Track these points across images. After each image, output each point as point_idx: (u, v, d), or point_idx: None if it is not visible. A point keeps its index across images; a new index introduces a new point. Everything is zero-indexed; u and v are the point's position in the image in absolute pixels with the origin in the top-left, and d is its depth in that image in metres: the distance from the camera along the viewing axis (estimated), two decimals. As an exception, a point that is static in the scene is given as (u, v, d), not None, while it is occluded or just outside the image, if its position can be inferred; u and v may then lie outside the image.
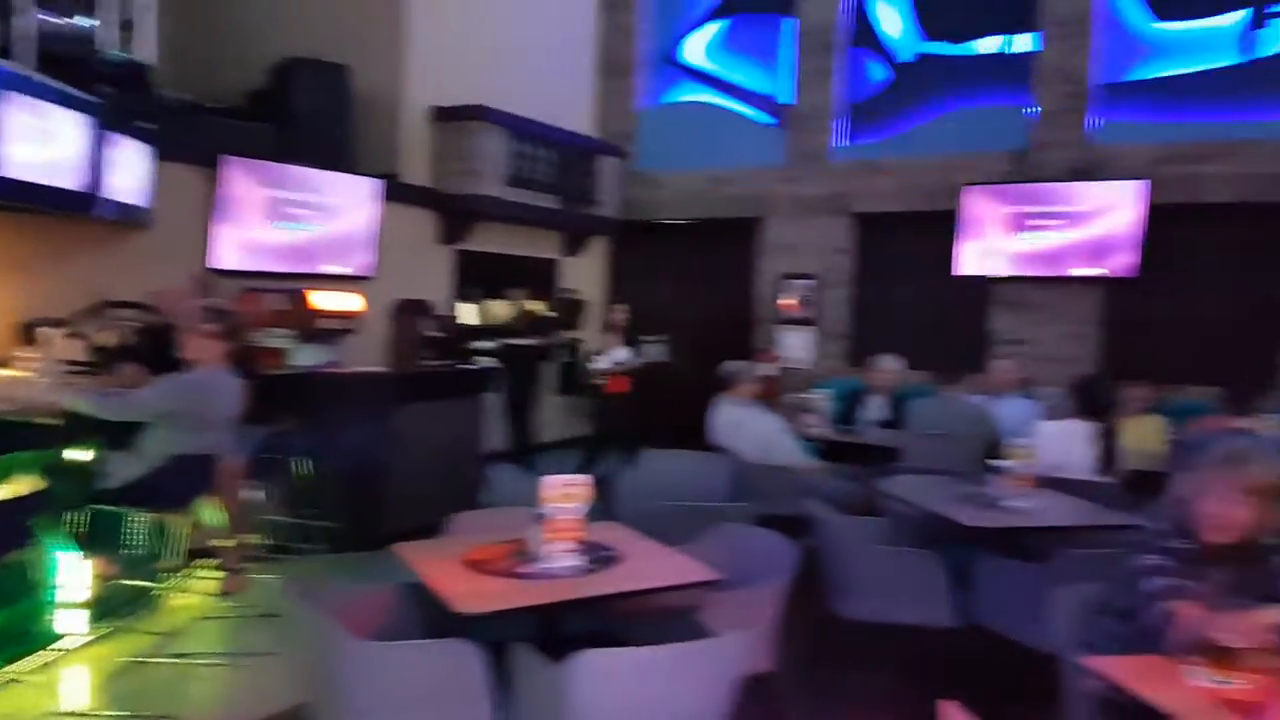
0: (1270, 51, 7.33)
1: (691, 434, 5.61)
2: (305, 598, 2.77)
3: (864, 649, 4.18)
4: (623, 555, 3.07)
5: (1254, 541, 2.43)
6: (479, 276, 8.96)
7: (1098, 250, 7.64)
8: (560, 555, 2.93)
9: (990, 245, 8.06)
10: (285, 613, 2.69)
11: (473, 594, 2.70)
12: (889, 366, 6.54)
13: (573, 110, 9.60)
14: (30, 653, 3.80)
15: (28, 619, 3.86)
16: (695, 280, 9.76)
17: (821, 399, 6.46)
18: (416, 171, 8.18)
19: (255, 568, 4.87)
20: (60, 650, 3.89)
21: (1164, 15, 7.69)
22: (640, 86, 9.99)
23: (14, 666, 3.69)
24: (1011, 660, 3.52)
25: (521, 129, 8.41)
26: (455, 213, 8.33)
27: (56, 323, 5.26)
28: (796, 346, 9.10)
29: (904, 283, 8.76)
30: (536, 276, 9.67)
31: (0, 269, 5.46)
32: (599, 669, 2.28)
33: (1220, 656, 2.09)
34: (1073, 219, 7.71)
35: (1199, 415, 5.65)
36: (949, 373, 5.66)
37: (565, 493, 2.97)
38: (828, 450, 6.20)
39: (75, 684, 3.75)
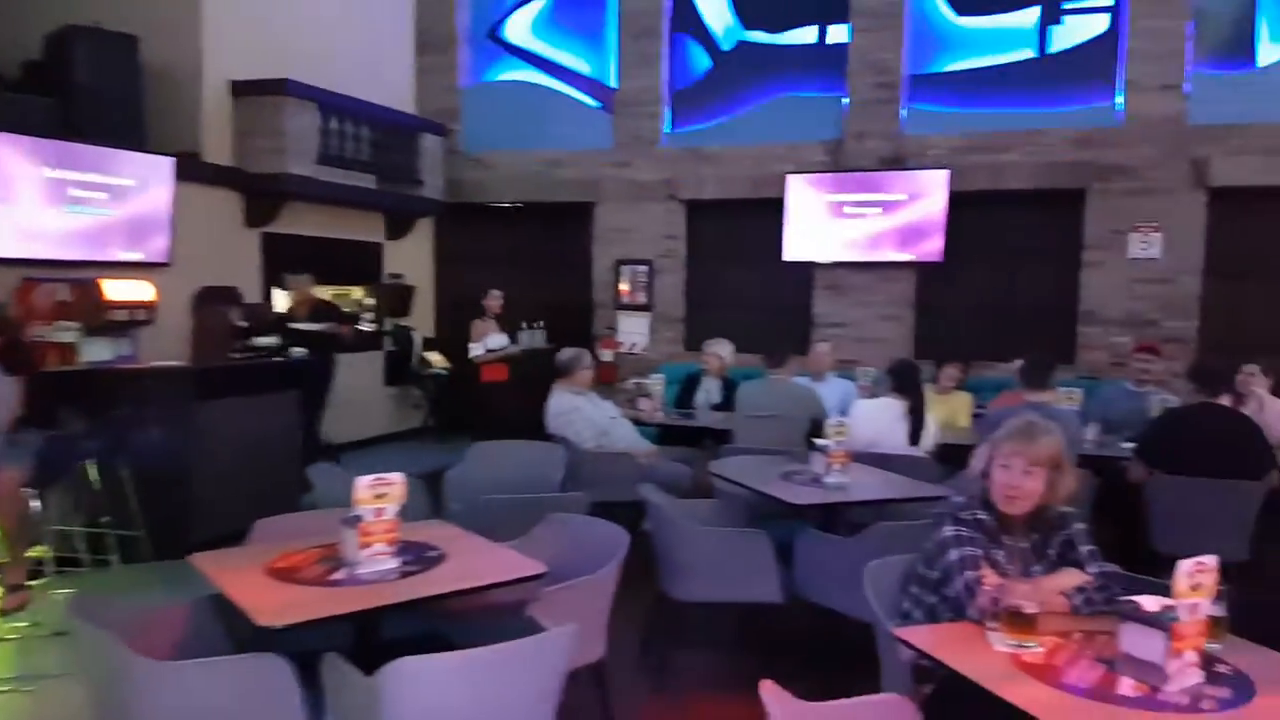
0: (1062, 46, 7.91)
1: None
2: (91, 615, 2.49)
3: (697, 629, 4.25)
4: (446, 554, 2.94)
5: (1047, 510, 2.58)
6: (293, 261, 8.44)
7: (909, 236, 8.05)
8: (375, 559, 2.76)
9: (813, 231, 8.34)
10: (72, 632, 2.41)
11: (278, 605, 2.51)
12: (720, 350, 6.68)
13: (391, 86, 9.22)
14: None
15: None
16: (530, 265, 9.61)
17: (657, 384, 6.51)
18: (219, 149, 7.62)
19: (42, 583, 4.45)
20: None
21: (964, 11, 8.15)
22: (462, 63, 9.70)
23: None
24: (834, 631, 3.64)
25: (333, 104, 7.99)
26: (262, 193, 7.83)
27: None
28: (634, 332, 9.13)
29: (736, 268, 8.95)
30: (359, 261, 9.24)
31: None
32: (413, 676, 2.16)
33: (1017, 622, 2.19)
34: (886, 206, 8.10)
35: (1001, 391, 6.06)
36: (775, 355, 5.79)
37: (377, 492, 2.79)
38: (665, 434, 6.31)
39: None
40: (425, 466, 5.07)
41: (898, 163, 8.09)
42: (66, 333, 5.93)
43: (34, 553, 4.69)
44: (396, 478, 2.83)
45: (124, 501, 4.95)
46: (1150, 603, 2.06)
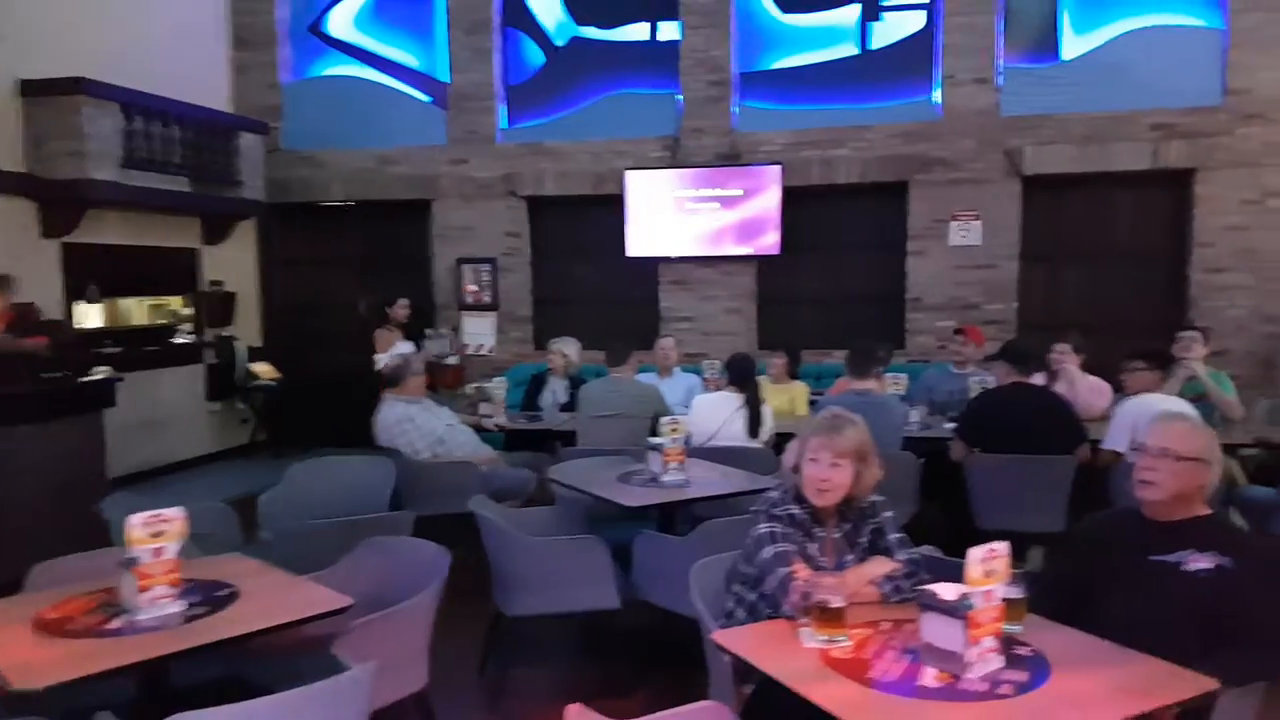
0: (883, 43, 8.17)
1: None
2: None
3: (535, 643, 4.11)
4: (239, 592, 2.70)
5: (856, 500, 2.59)
6: (99, 273, 7.79)
7: (748, 230, 8.16)
8: (156, 603, 2.50)
9: (656, 226, 8.34)
10: None
11: (39, 663, 2.24)
12: (565, 349, 6.55)
13: (205, 84, 8.62)
14: None
15: None
16: (367, 266, 9.20)
17: (498, 387, 6.32)
18: (8, 154, 6.94)
19: None
20: None
21: (788, 9, 8.30)
22: (283, 59, 9.18)
23: None
24: (675, 633, 3.57)
25: (138, 104, 7.38)
26: (60, 201, 7.17)
27: None
28: (480, 333, 8.89)
29: (582, 264, 8.84)
30: (173, 269, 8.61)
31: None
32: None
33: (826, 616, 2.17)
34: (725, 201, 8.17)
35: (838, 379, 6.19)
36: (616, 352, 5.71)
37: (154, 530, 2.53)
38: (510, 439, 6.14)
39: None
40: (254, 487, 4.73)
41: (733, 159, 8.18)
42: None
43: None
44: (174, 513, 2.58)
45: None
46: (948, 590, 2.07)
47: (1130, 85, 7.51)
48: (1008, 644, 2.12)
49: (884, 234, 8.17)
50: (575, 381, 6.26)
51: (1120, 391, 5.01)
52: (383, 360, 6.99)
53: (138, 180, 7.44)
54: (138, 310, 8.77)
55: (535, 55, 8.92)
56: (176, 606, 2.51)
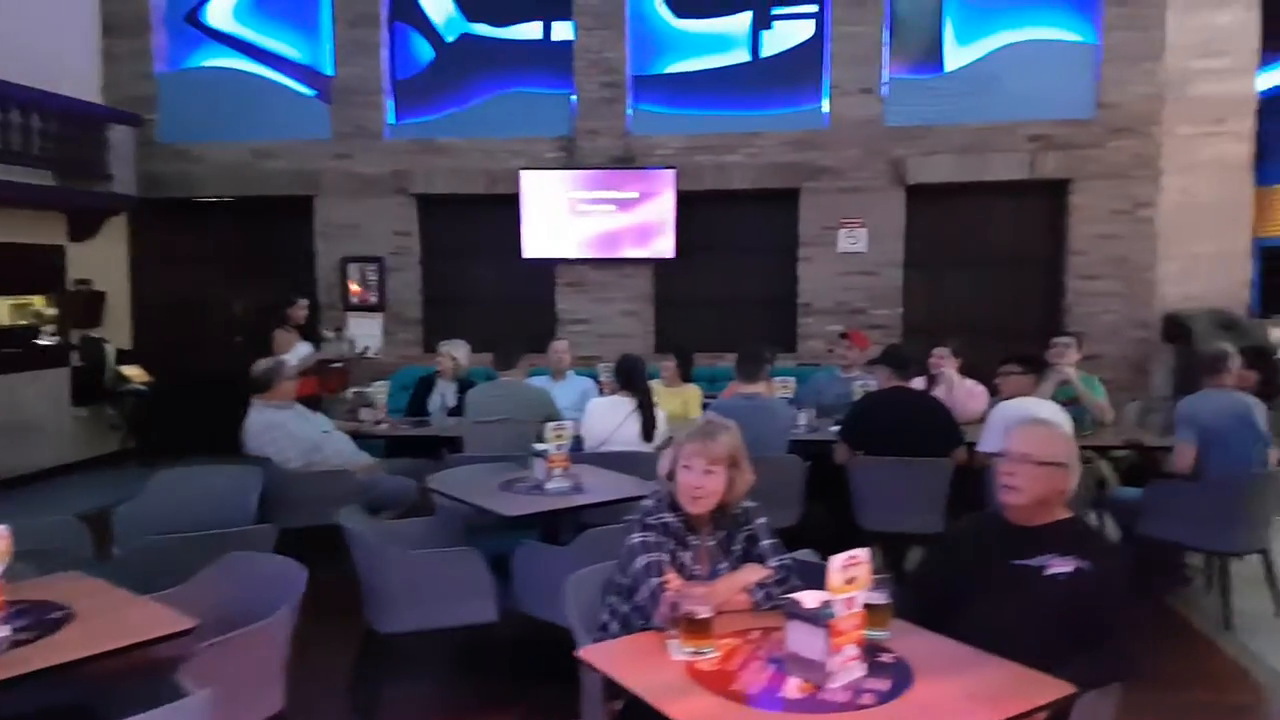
0: (773, 51, 8.25)
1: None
2: None
3: (410, 660, 3.95)
4: (74, 614, 2.51)
5: (730, 507, 2.55)
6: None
7: (644, 233, 8.14)
8: (-27, 629, 2.29)
9: (552, 228, 8.23)
10: None
11: None
12: (454, 351, 6.38)
13: (72, 73, 8.10)
14: None
15: None
16: (246, 264, 8.80)
17: (379, 391, 6.10)
18: None
19: None
20: None
21: (682, 13, 8.32)
22: (158, 49, 8.70)
23: None
24: (556, 645, 3.47)
25: (-5, 91, 6.89)
26: (-96, 194, 6.63)
27: None
28: (365, 334, 8.58)
29: (476, 265, 8.65)
30: (36, 267, 8.04)
31: None
32: None
33: (693, 628, 2.12)
34: (621, 204, 8.13)
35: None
36: (504, 355, 5.58)
37: (-27, 549, 2.31)
38: (395, 445, 5.93)
39: None
40: (118, 498, 4.43)
41: (628, 161, 8.15)
42: None
43: None
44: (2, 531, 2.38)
45: None
46: (811, 598, 2.04)
47: (1009, 97, 7.80)
48: (872, 651, 2.11)
49: (776, 239, 8.26)
50: (465, 385, 6.09)
51: (996, 395, 5.16)
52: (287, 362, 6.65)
53: (-2, 174, 6.94)
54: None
55: (424, 50, 8.70)
56: (1, 631, 2.32)
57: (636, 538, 2.47)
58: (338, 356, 7.42)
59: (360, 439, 5.48)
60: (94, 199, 8.04)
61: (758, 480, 4.37)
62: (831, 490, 4.87)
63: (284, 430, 4.91)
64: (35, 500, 6.88)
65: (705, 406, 5.88)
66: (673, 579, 2.37)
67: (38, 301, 8.26)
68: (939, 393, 5.46)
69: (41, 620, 2.44)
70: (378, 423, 5.86)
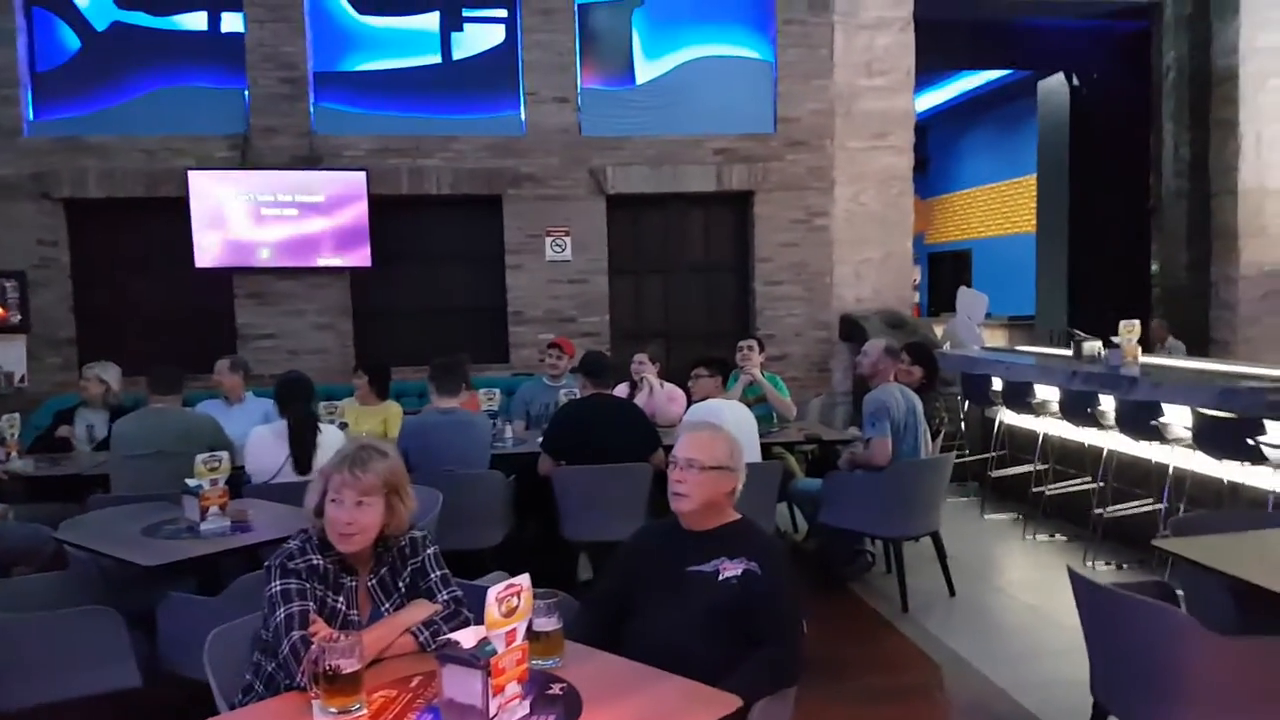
0: (466, 54, 8.06)
1: None
2: None
3: None
4: None
5: (392, 540, 2.32)
6: None
7: (338, 240, 7.65)
8: None
9: (230, 234, 7.49)
10: None
11: None
12: (102, 374, 5.58)
13: None
14: None
15: None
16: None
17: (8, 424, 5.19)
18: None
19: None
20: None
21: (364, 10, 7.91)
22: None
23: None
24: (207, 707, 3.06)
25: None
26: None
27: None
28: (7, 359, 7.34)
29: (138, 278, 7.69)
30: None
31: None
32: None
33: (336, 684, 1.87)
34: (311, 209, 7.57)
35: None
36: (158, 379, 4.90)
37: None
38: (35, 487, 5.06)
39: None
40: None
41: (313, 162, 7.60)
42: None
43: None
44: None
45: None
46: (470, 636, 1.87)
47: (696, 111, 8.17)
48: (541, 683, 1.98)
49: (481, 247, 8.09)
50: (118, 413, 5.32)
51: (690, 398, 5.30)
52: None
53: None
54: None
55: (69, 39, 7.61)
56: None
57: (276, 586, 2.16)
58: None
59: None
60: None
61: (459, 499, 4.22)
62: (541, 505, 4.77)
63: None
64: None
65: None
66: (320, 629, 2.10)
67: None
68: (640, 398, 5.54)
69: None
70: (8, 463, 4.99)
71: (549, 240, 8.00)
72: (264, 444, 4.34)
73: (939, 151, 16.24)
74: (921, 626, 4.38)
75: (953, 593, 4.74)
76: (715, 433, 2.54)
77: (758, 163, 8.24)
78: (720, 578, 2.35)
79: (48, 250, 7.44)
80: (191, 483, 3.47)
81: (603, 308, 8.17)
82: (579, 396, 5.02)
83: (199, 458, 3.51)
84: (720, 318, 8.48)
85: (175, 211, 7.38)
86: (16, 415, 5.31)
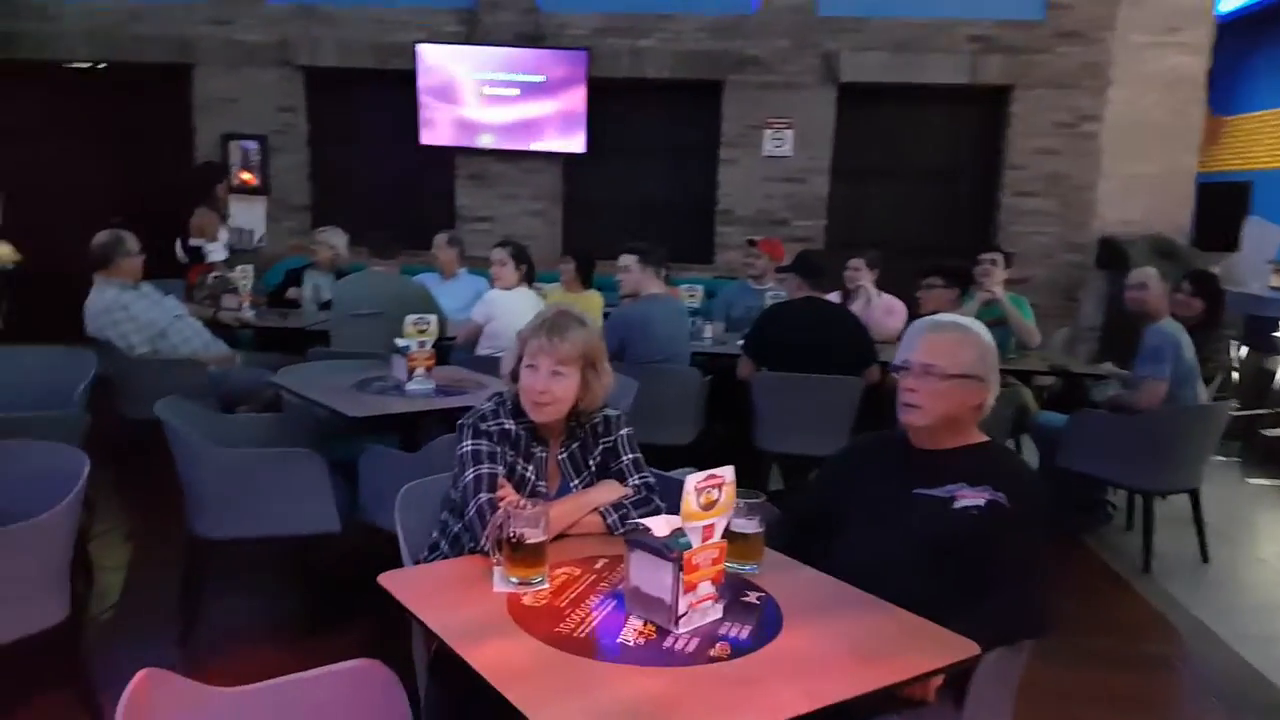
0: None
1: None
2: None
3: (238, 571, 3.57)
4: None
5: (585, 415, 2.15)
6: None
7: (554, 125, 7.51)
8: None
9: (455, 113, 7.55)
10: None
11: None
12: (331, 240, 5.87)
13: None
14: None
15: None
16: (116, 139, 7.91)
17: (243, 276, 5.53)
18: None
19: None
20: None
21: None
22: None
23: None
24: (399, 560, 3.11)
25: None
26: None
27: None
28: (249, 221, 7.85)
29: (368, 150, 7.92)
30: None
31: None
32: None
33: (519, 554, 1.73)
34: (532, 89, 7.47)
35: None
36: (380, 245, 5.02)
37: None
38: (264, 338, 5.42)
39: None
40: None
41: (536, 40, 7.43)
42: None
43: None
44: None
45: None
46: (663, 525, 1.66)
47: (953, -10, 7.23)
48: (736, 589, 1.75)
49: (694, 137, 7.68)
50: (342, 275, 5.54)
51: (917, 312, 4.84)
52: (213, 250, 5.96)
53: None
54: None
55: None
56: None
57: (467, 445, 2.05)
58: (245, 247, 6.74)
59: (221, 330, 5.00)
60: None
61: (654, 391, 4.06)
62: (734, 411, 4.54)
63: (126, 312, 4.46)
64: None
65: (607, 315, 5.48)
66: (507, 494, 1.97)
67: None
68: (855, 308, 5.14)
69: None
70: (240, 311, 5.33)
71: (768, 134, 7.49)
72: (506, 310, 4.34)
73: (1225, 65, 14.06)
74: (1163, 590, 3.87)
75: (1205, 558, 4.15)
76: (963, 334, 2.13)
77: (1019, 54, 7.25)
78: (955, 505, 2.00)
79: (287, 116, 7.77)
80: (400, 343, 3.51)
81: (819, 211, 7.64)
82: (788, 299, 4.68)
83: (408, 319, 3.53)
84: (955, 232, 7.66)
85: (405, 85, 7.48)
86: (250, 267, 5.64)
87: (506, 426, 2.09)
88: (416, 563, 2.12)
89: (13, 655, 2.32)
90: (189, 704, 1.47)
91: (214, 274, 5.68)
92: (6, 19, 7.56)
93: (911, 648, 1.60)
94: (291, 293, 5.91)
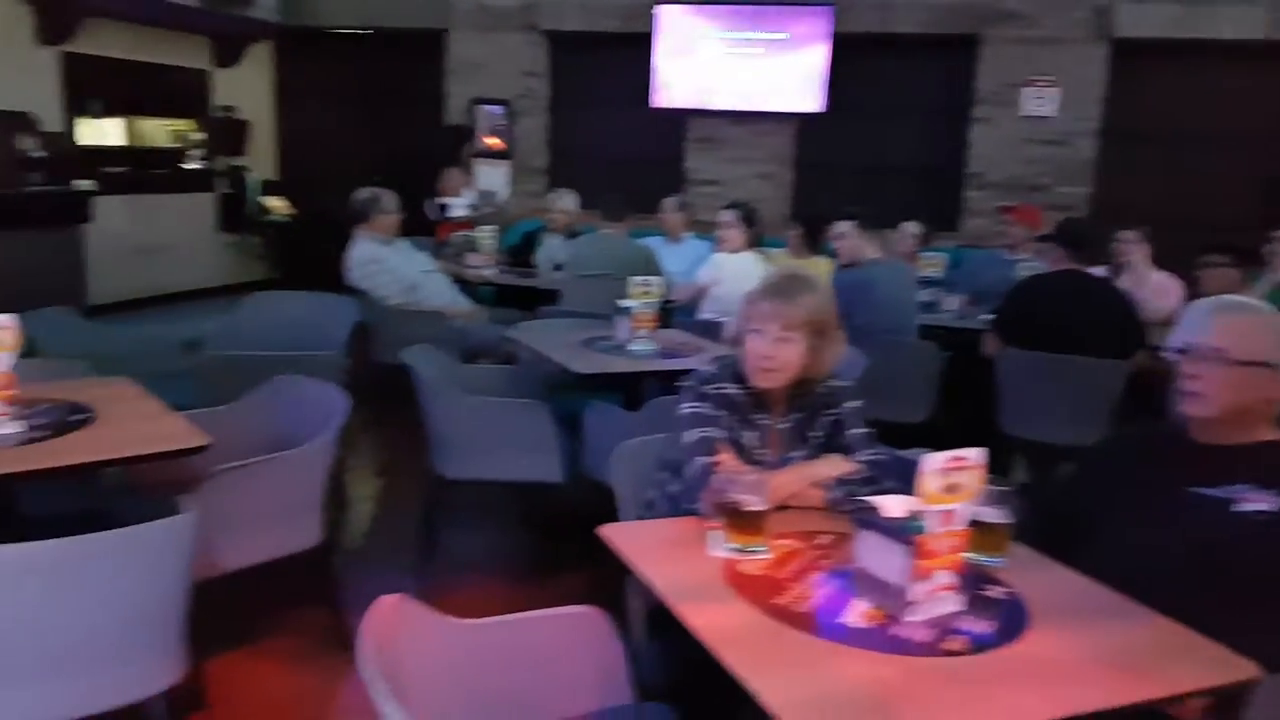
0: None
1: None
2: None
3: (476, 509, 3.78)
4: (97, 417, 2.39)
5: (811, 384, 2.04)
6: (102, 88, 7.33)
7: (790, 83, 7.31)
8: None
9: (687, 74, 7.52)
10: None
11: None
12: (565, 204, 6.02)
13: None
14: None
15: None
16: (376, 101, 8.59)
17: (487, 236, 5.81)
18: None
19: None
20: None
21: None
22: None
23: None
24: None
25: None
26: (53, 6, 6.63)
27: None
28: (493, 183, 8.27)
29: (603, 113, 8.08)
30: (181, 90, 8.10)
31: None
32: None
33: (739, 520, 1.67)
34: (768, 47, 7.29)
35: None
36: (610, 208, 5.13)
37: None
38: (501, 295, 5.69)
39: None
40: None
41: (780, -3, 7.25)
42: None
43: None
44: (4, 320, 2.19)
45: None
46: (898, 505, 1.53)
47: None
48: (977, 581, 1.60)
49: (944, 96, 7.22)
50: (575, 238, 5.70)
51: (1195, 292, 4.29)
52: (457, 205, 6.46)
53: (136, -14, 6.87)
54: (145, 130, 8.28)
55: None
56: (15, 426, 2.23)
57: (688, 407, 2.02)
58: (488, 208, 7.13)
59: (464, 285, 5.27)
60: (236, 24, 7.92)
61: (884, 365, 3.87)
62: (975, 391, 4.22)
63: (382, 265, 4.81)
64: (174, 316, 7.06)
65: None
66: (726, 459, 1.91)
67: (184, 125, 8.36)
68: (1124, 284, 4.63)
69: (60, 421, 2.33)
70: (483, 269, 5.61)
71: (1028, 92, 6.89)
72: (734, 274, 4.29)
73: None
74: None
75: None
76: (1258, 316, 1.82)
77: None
78: (1235, 508, 1.72)
79: (530, 81, 8.07)
80: (624, 304, 3.54)
81: (1084, 177, 6.95)
82: (1048, 271, 4.28)
83: (633, 280, 3.57)
84: (1240, 210, 6.72)
85: (642, 48, 7.53)
86: (494, 228, 5.92)
87: (728, 391, 2.03)
88: (635, 520, 2.12)
89: (276, 572, 2.55)
90: (425, 630, 1.54)
91: (461, 233, 6.02)
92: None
93: (1175, 661, 1.40)
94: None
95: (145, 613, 1.88)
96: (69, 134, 7.06)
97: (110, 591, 1.80)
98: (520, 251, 5.98)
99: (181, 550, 1.91)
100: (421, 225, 6.34)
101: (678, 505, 2.03)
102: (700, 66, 7.49)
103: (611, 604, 1.84)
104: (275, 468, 2.49)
